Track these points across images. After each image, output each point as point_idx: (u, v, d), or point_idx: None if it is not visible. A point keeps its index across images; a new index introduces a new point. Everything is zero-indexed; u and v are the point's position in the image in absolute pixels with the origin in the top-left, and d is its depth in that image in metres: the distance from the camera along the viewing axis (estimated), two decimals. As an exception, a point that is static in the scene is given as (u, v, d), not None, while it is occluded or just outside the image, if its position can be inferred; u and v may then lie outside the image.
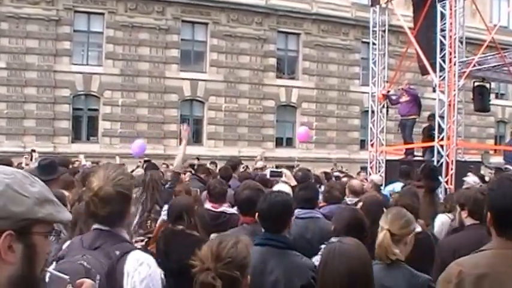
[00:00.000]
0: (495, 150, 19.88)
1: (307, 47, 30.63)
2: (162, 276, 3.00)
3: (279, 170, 8.68)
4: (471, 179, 9.93)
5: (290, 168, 21.22)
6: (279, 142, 29.88)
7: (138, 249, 2.96)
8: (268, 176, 8.69)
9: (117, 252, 2.78)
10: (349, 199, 7.64)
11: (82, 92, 26.27)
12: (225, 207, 6.45)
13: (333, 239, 4.21)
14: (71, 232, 4.28)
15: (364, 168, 17.71)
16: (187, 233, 5.04)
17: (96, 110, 26.76)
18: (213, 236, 4.80)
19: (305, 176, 8.74)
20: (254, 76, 29.28)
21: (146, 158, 15.97)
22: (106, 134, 26.29)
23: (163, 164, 14.06)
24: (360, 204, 6.32)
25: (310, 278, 3.81)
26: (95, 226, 2.93)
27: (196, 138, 28.46)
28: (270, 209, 4.07)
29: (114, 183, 2.88)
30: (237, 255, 2.73)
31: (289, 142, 28.73)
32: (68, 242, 3.20)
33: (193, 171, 11.65)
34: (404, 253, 3.90)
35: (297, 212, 5.89)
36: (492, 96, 31.95)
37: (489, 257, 2.78)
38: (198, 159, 21.23)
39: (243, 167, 14.62)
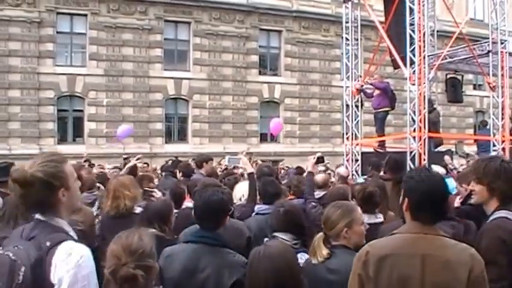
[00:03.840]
0: (475, 140, 20.22)
1: (289, 43, 31.02)
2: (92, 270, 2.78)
3: (237, 157, 8.77)
4: (437, 169, 10.26)
5: (275, 163, 21.77)
6: (263, 138, 30.12)
7: (73, 239, 2.83)
8: (227, 163, 8.93)
9: (48, 244, 2.70)
10: (316, 193, 7.67)
11: (66, 93, 26.39)
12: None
13: (279, 235, 4.58)
14: (5, 223, 4.29)
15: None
16: (158, 235, 4.83)
17: (81, 110, 26.90)
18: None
19: (271, 171, 8.80)
20: (237, 73, 29.61)
21: (125, 156, 16.06)
22: (92, 135, 26.46)
23: (145, 163, 14.09)
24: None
25: (242, 275, 3.82)
26: (35, 216, 2.86)
27: (181, 136, 28.94)
28: (205, 207, 4.14)
29: (36, 168, 2.78)
30: (146, 246, 2.92)
31: (273, 136, 29.08)
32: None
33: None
34: (351, 244, 4.03)
35: (257, 207, 6.23)
36: (470, 87, 32.66)
37: (395, 240, 3.08)
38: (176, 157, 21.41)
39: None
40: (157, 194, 7.32)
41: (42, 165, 2.81)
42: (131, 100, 27.37)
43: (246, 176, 8.12)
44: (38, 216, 2.84)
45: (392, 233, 3.11)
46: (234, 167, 9.89)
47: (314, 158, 7.91)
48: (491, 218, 3.67)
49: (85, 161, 13.64)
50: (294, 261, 3.62)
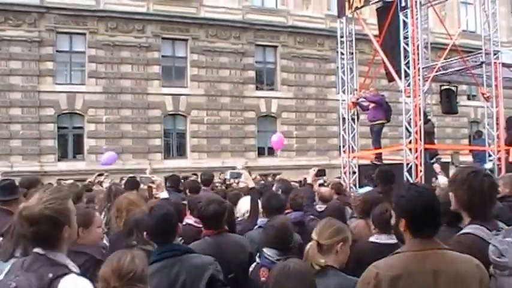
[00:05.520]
0: (470, 151, 20.47)
1: (285, 58, 31.33)
2: None
3: (239, 171, 8.82)
4: (442, 180, 10.48)
5: (273, 176, 22.02)
6: (260, 152, 30.33)
7: (76, 273, 2.87)
8: (227, 177, 9.02)
9: (50, 275, 2.74)
10: (319, 206, 7.90)
11: (66, 111, 26.56)
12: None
13: (265, 250, 4.64)
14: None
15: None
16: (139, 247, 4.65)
17: (81, 127, 27.03)
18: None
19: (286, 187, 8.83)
20: (234, 89, 29.82)
21: (131, 175, 16.19)
22: (91, 151, 26.47)
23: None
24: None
25: (214, 271, 4.15)
26: (34, 250, 2.90)
27: (180, 151, 29.16)
28: (158, 224, 4.25)
29: (43, 205, 2.84)
30: (137, 269, 2.94)
31: (271, 151, 29.10)
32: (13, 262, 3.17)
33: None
34: (338, 262, 4.02)
35: (260, 221, 6.20)
36: (464, 97, 32.92)
37: (403, 258, 3.04)
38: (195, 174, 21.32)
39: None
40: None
41: (49, 203, 2.87)
42: (130, 117, 27.53)
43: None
44: (37, 250, 2.89)
45: (395, 253, 3.11)
46: (234, 182, 10.00)
47: (314, 170, 8.12)
48: (460, 232, 3.64)
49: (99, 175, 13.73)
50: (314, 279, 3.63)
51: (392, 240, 5.06)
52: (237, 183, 10.87)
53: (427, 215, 3.08)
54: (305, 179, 13.53)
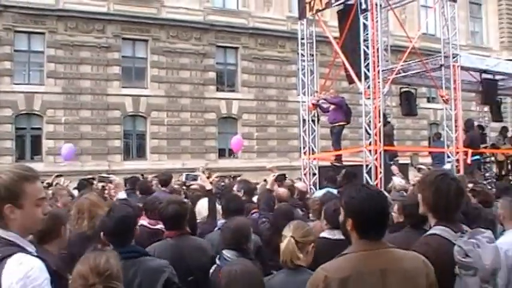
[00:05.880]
0: (430, 152, 20.69)
1: (246, 60, 31.38)
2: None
3: (195, 173, 8.81)
4: (397, 180, 10.65)
5: (234, 178, 21.99)
6: (221, 153, 30.28)
7: (28, 252, 2.75)
8: (184, 179, 8.96)
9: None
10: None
11: (24, 111, 26.21)
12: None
13: (224, 252, 4.67)
14: None
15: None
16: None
17: (39, 128, 26.71)
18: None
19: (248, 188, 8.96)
20: (195, 90, 29.76)
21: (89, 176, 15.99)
22: (50, 153, 26.14)
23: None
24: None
25: (170, 274, 4.15)
26: None
27: (139, 153, 28.95)
28: (116, 226, 4.19)
29: None
30: (113, 268, 2.95)
31: (232, 153, 29.15)
32: None
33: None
34: (306, 262, 4.08)
35: (220, 223, 6.18)
36: (424, 100, 33.35)
37: (351, 259, 3.06)
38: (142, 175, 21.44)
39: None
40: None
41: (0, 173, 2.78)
42: (89, 118, 27.25)
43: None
44: None
45: (342, 254, 3.11)
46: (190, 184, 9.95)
47: (274, 175, 8.15)
48: (426, 233, 3.71)
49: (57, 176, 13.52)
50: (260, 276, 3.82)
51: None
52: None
53: (375, 218, 3.11)
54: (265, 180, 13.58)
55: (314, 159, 15.98)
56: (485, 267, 3.23)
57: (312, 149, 16.03)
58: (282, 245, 4.05)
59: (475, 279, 3.22)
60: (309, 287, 3.07)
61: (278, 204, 7.59)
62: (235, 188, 8.76)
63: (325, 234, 5.31)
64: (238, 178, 22.29)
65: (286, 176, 11.67)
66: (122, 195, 7.18)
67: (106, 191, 8.76)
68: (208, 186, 7.37)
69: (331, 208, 5.25)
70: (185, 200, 6.11)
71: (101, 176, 9.38)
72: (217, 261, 4.72)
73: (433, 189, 3.62)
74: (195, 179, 8.32)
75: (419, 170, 15.15)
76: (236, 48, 31.46)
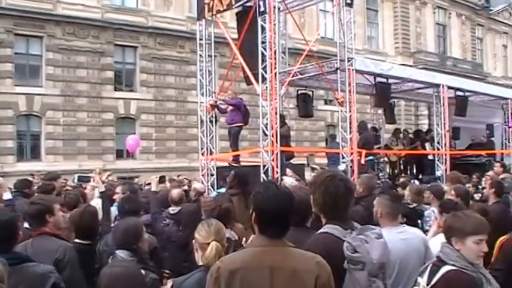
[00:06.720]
0: (326, 153, 21.01)
1: (144, 59, 31.09)
2: None
3: (88, 175, 8.76)
4: (288, 180, 10.75)
5: (131, 179, 21.70)
6: (119, 154, 29.84)
7: None
8: (76, 181, 8.85)
9: None
10: (171, 209, 7.89)
11: None
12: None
13: (117, 252, 4.64)
14: None
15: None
16: None
17: None
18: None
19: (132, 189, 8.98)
20: (92, 89, 29.15)
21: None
22: None
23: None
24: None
25: (56, 279, 4.07)
26: None
27: (34, 154, 28.04)
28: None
29: None
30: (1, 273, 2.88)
31: (129, 153, 28.84)
32: None
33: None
34: (205, 259, 3.96)
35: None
36: (322, 102, 34.05)
37: (244, 254, 3.20)
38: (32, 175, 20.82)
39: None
40: None
41: None
42: (-15, 117, 26.19)
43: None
44: None
45: (242, 248, 3.26)
46: (82, 185, 9.78)
47: (157, 177, 8.15)
48: (317, 232, 3.85)
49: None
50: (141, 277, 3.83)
51: (231, 236, 5.32)
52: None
53: (275, 217, 3.17)
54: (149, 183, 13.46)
55: (212, 160, 15.95)
56: (373, 262, 3.39)
57: (210, 150, 15.99)
58: (207, 251, 3.89)
59: (364, 273, 3.38)
60: (208, 277, 3.16)
61: (183, 205, 7.70)
62: (118, 190, 8.63)
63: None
64: (136, 179, 22.14)
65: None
66: (7, 195, 6.95)
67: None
68: (101, 188, 7.38)
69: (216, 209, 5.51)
70: (43, 200, 5.86)
71: None
72: (110, 262, 4.63)
73: (322, 189, 3.81)
74: (88, 180, 8.18)
75: (313, 169, 15.42)
76: (135, 47, 31.12)
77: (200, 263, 3.90)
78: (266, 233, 3.18)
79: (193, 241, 4.07)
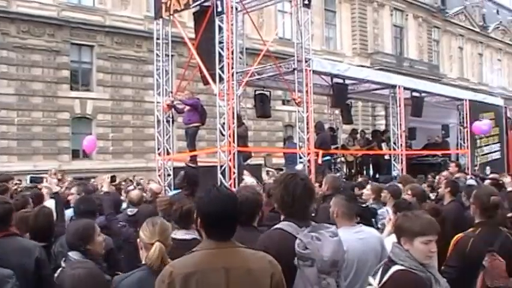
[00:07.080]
0: (283, 153, 21.07)
1: (101, 58, 30.76)
2: None
3: (40, 176, 8.64)
4: (249, 179, 10.79)
5: (88, 180, 21.45)
6: (75, 154, 29.41)
7: None
8: (28, 182, 8.75)
9: None
10: (130, 210, 7.87)
11: None
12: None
13: (70, 254, 4.56)
14: None
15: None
16: None
17: None
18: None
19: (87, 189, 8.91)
20: (47, 89, 28.72)
21: None
22: None
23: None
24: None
25: (13, 285, 4.09)
26: None
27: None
28: None
29: None
30: None
31: (86, 154, 28.50)
32: None
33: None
34: (148, 260, 3.95)
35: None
36: (279, 102, 34.19)
37: (196, 257, 3.15)
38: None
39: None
40: None
41: None
42: None
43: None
44: None
45: (191, 251, 3.19)
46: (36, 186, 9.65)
47: (108, 177, 8.11)
48: (271, 228, 3.98)
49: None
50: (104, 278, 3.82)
51: (189, 235, 5.28)
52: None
53: (220, 220, 3.19)
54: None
55: (169, 160, 15.90)
56: (323, 259, 3.43)
57: (167, 150, 15.93)
58: (151, 252, 3.87)
59: (313, 269, 3.44)
60: (157, 282, 3.11)
61: (141, 207, 7.72)
62: (74, 191, 8.53)
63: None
64: (92, 180, 21.86)
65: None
66: None
67: None
68: (55, 189, 7.28)
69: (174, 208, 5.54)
70: (9, 200, 5.88)
71: None
72: (63, 264, 4.56)
73: (282, 187, 3.94)
74: (40, 181, 8.10)
75: (267, 173, 15.50)
76: (91, 46, 30.73)
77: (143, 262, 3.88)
78: (213, 236, 3.19)
79: (138, 240, 4.04)
